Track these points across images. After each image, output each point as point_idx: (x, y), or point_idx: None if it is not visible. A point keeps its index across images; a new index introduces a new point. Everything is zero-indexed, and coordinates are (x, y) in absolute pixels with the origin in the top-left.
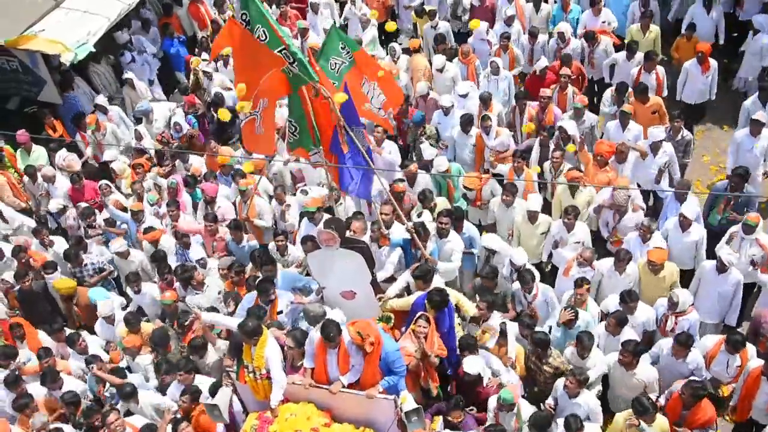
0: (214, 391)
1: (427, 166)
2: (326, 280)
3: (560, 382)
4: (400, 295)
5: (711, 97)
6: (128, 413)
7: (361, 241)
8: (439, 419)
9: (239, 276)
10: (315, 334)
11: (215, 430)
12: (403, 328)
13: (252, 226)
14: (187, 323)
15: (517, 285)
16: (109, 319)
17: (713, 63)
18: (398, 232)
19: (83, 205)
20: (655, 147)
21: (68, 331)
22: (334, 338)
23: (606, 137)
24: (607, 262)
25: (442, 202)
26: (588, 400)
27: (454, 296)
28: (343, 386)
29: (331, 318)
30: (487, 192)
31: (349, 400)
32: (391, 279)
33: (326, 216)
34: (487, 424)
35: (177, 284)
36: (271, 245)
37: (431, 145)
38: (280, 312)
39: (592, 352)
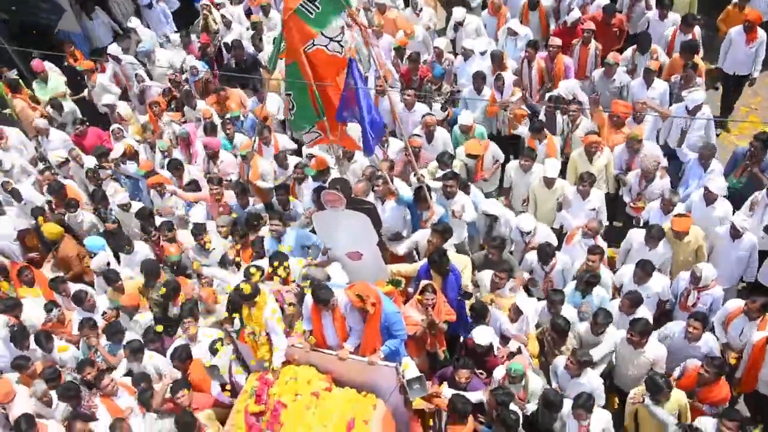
0: (213, 349)
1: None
2: (332, 241)
3: (560, 361)
4: (409, 259)
5: (754, 73)
6: (129, 374)
7: (368, 201)
8: (445, 385)
9: (243, 239)
10: (309, 297)
11: (208, 388)
12: (410, 289)
13: (254, 188)
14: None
15: (533, 257)
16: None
17: (762, 34)
18: (404, 190)
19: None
20: (694, 112)
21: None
22: (324, 300)
23: (629, 96)
24: (640, 234)
25: (457, 165)
26: (591, 380)
27: (463, 262)
28: (350, 352)
29: (323, 282)
30: (489, 159)
31: (351, 365)
32: (398, 236)
33: (333, 175)
34: (493, 387)
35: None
36: (274, 200)
37: (442, 106)
38: (293, 280)
39: (608, 329)
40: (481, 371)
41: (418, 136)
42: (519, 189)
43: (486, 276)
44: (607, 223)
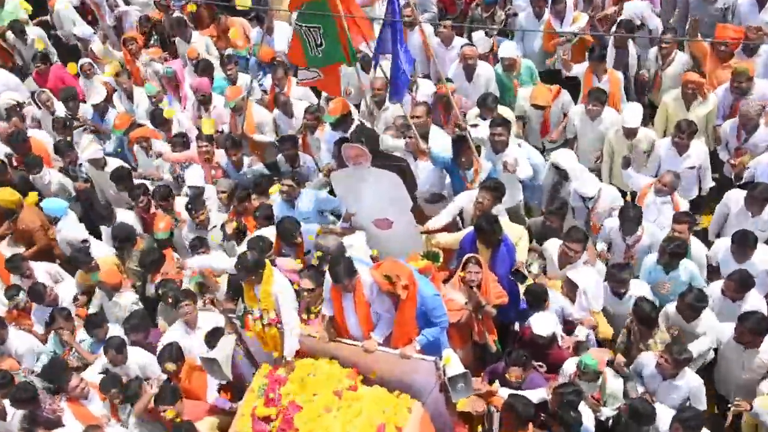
0: (211, 341)
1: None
2: (356, 205)
3: (648, 358)
4: (450, 228)
5: None
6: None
7: (399, 158)
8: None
9: (243, 203)
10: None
11: (204, 393)
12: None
13: (251, 144)
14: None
15: (614, 224)
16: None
17: None
18: (440, 145)
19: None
20: None
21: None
22: (341, 278)
23: (735, 21)
24: (738, 195)
25: (504, 113)
26: (690, 381)
27: (517, 232)
28: (379, 344)
29: (343, 253)
30: (558, 111)
31: (380, 359)
32: (438, 198)
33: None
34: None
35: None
36: (280, 157)
37: (488, 33)
38: (308, 252)
39: (704, 314)
40: (540, 364)
41: (450, 81)
42: (586, 140)
43: (553, 246)
44: (713, 184)
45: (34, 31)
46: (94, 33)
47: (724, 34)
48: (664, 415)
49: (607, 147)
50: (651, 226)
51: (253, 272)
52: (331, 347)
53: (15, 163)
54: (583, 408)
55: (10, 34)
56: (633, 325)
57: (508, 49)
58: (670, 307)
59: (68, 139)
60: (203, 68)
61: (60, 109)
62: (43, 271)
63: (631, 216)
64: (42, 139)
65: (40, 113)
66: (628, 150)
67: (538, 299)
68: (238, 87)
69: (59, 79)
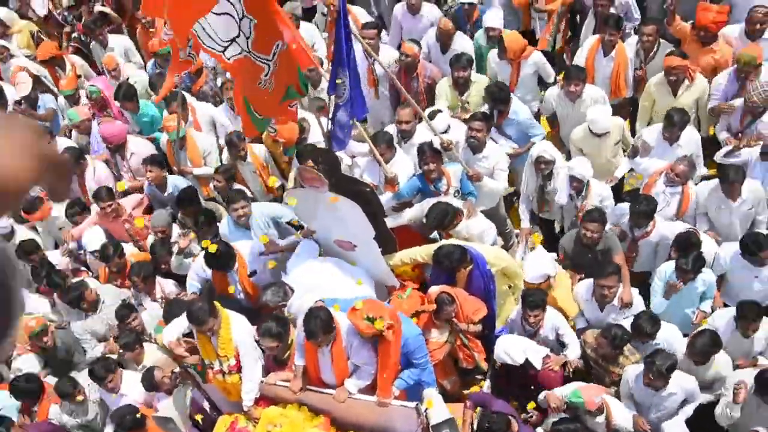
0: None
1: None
2: (315, 223)
3: (633, 373)
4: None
5: None
6: None
7: (365, 183)
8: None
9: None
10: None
11: None
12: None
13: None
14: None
15: (622, 210)
16: None
17: None
18: (404, 165)
19: None
20: None
21: None
22: (316, 335)
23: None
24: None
25: (482, 83)
26: (683, 384)
27: (499, 258)
28: (350, 393)
29: (316, 308)
30: (529, 72)
31: (356, 407)
32: (408, 206)
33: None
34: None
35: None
36: (212, 185)
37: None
38: (253, 273)
39: (718, 358)
40: (530, 414)
41: (416, 42)
42: (568, 126)
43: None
44: (705, 171)
45: None
46: None
47: (705, 15)
48: None
49: (573, 149)
50: (662, 222)
51: (204, 323)
52: (301, 395)
53: None
54: None
55: None
56: (594, 353)
57: (493, 18)
58: (679, 351)
59: None
60: (125, 96)
61: None
62: None
63: (643, 208)
64: None
65: None
66: (597, 146)
67: (534, 304)
68: (172, 116)
69: None
